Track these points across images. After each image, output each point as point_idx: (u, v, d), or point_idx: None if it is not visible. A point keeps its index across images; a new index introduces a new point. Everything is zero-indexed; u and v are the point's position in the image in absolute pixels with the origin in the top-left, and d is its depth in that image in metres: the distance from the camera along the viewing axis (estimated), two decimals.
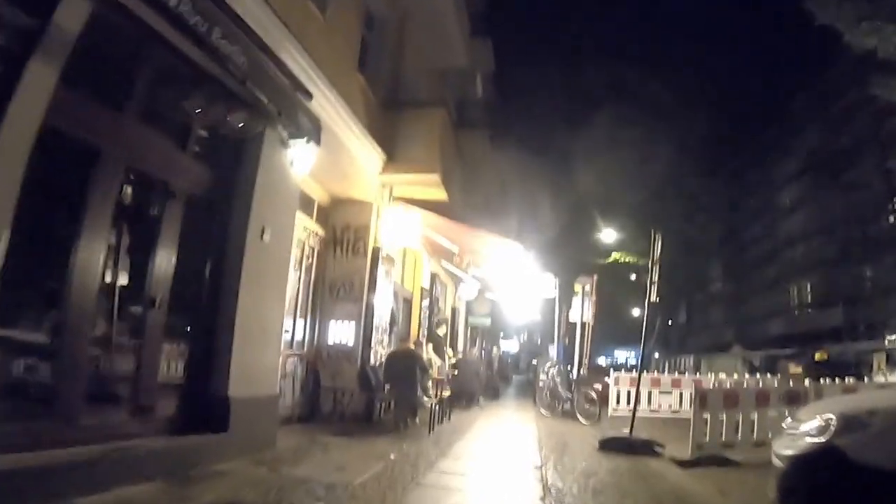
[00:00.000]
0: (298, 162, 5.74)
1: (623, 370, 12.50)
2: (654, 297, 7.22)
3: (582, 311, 11.77)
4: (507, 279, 11.51)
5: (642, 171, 28.43)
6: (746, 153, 40.45)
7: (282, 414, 6.81)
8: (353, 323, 7.84)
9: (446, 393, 8.98)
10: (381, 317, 8.36)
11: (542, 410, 10.99)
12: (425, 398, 7.88)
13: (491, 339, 28.73)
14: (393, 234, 8.31)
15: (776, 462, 3.86)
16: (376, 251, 8.17)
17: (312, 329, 7.81)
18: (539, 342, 43.80)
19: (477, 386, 11.61)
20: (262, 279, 5.22)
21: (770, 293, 39.81)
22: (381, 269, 8.28)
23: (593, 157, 25.54)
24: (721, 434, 6.68)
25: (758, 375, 12.70)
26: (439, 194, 8.99)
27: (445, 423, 8.64)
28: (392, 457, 5.78)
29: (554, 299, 13.98)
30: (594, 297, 11.45)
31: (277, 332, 5.60)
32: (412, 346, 7.82)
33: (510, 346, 44.09)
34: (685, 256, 36.94)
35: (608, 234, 24.71)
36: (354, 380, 7.66)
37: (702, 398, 6.73)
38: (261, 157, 5.18)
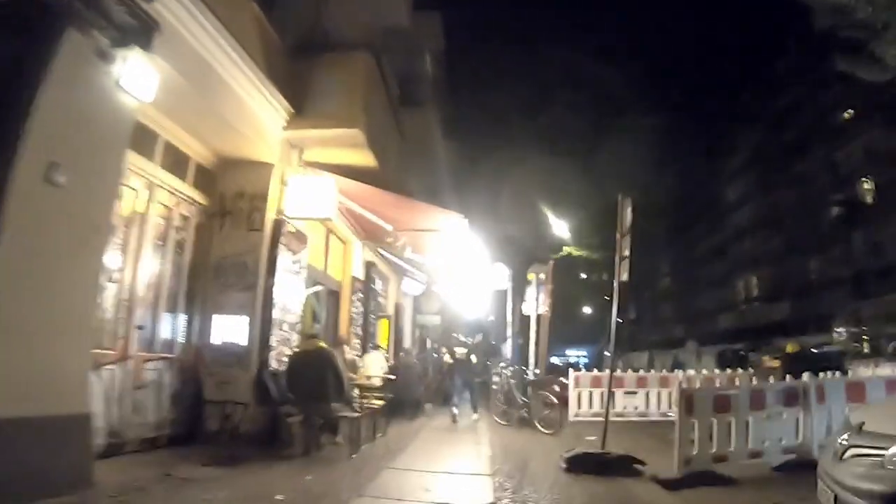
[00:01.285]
0: (131, 83, 3.94)
1: (583, 369, 11.18)
2: (624, 276, 5.81)
3: (536, 302, 10.34)
4: (454, 266, 9.93)
5: (592, 163, 27.85)
6: (694, 147, 40.88)
7: (136, 437, 4.97)
8: (246, 317, 6.01)
9: (377, 402, 7.27)
10: (288, 308, 6.58)
11: (497, 418, 9.46)
12: (347, 411, 6.18)
13: (445, 341, 27.18)
14: (302, 205, 6.56)
15: (851, 500, 2.42)
16: (278, 224, 6.40)
17: (189, 325, 5.93)
18: (493, 342, 42.84)
19: (421, 392, 9.95)
20: (53, 242, 3.38)
21: (719, 288, 40.26)
22: (287, 247, 6.51)
23: (544, 145, 24.63)
24: (712, 445, 5.34)
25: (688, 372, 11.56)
26: (365, 158, 7.30)
27: (379, 439, 6.96)
28: (279, 498, 4.08)
29: (506, 292, 12.52)
30: (550, 286, 10.05)
31: (88, 324, 3.75)
32: (322, 345, 6.04)
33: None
34: (635, 252, 36.79)
35: (560, 228, 23.87)
36: (249, 390, 5.86)
37: (688, 402, 5.36)
38: (54, 63, 3.36)
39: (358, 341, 9.92)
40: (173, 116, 5.35)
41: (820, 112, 28.43)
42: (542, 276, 10.49)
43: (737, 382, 9.31)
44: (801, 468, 4.95)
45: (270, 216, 6.38)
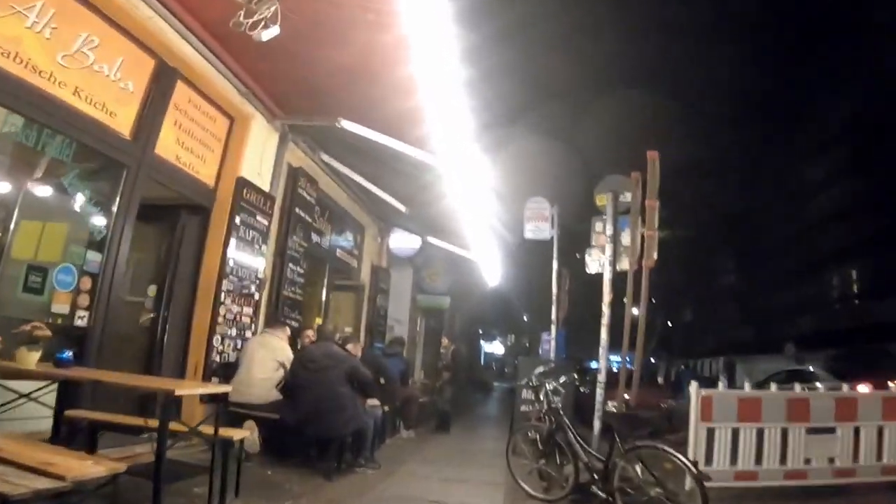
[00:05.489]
0: None
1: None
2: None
3: (615, 247, 5.13)
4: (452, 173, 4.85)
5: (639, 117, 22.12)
6: (768, 115, 34.33)
7: None
8: None
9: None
10: None
11: (522, 482, 4.27)
12: None
13: (466, 338, 22.02)
14: None
15: None
16: None
17: None
18: (527, 342, 36.82)
19: (365, 420, 4.68)
20: None
21: (801, 284, 33.33)
22: None
23: (584, 85, 19.27)
24: None
25: None
26: None
27: None
28: None
29: (552, 241, 7.28)
30: (653, 204, 4.78)
31: None
32: None
33: (494, 348, 37.44)
34: (692, 244, 30.78)
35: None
36: None
37: None
38: None
39: (246, 312, 4.93)
40: None
41: None
42: (627, 195, 5.27)
43: None
44: None
45: None
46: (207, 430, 2.93)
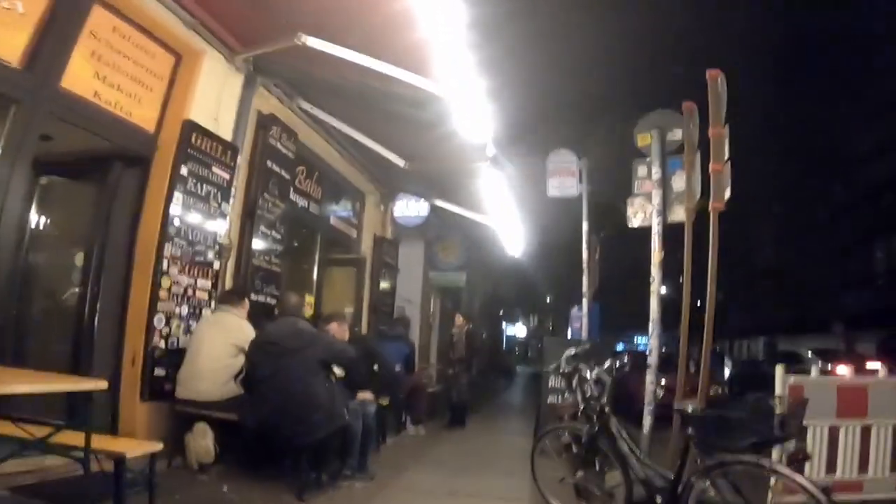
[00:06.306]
0: None
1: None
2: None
3: (665, 193, 4.02)
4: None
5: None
6: (818, 73, 31.79)
7: None
8: None
9: None
10: None
11: (555, 502, 3.26)
12: None
13: (487, 320, 20.95)
14: None
15: None
16: None
17: None
18: (550, 325, 35.50)
19: (340, 418, 3.58)
20: None
21: (845, 260, 30.97)
22: None
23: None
24: None
25: None
26: None
27: None
28: None
29: (580, 198, 6.15)
30: (721, 132, 3.60)
31: None
32: None
33: (516, 331, 36.29)
34: (724, 215, 28.69)
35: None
36: None
37: None
38: None
39: (201, 285, 3.96)
40: None
41: None
42: (677, 132, 4.14)
43: None
44: None
45: None
46: (75, 438, 1.97)
